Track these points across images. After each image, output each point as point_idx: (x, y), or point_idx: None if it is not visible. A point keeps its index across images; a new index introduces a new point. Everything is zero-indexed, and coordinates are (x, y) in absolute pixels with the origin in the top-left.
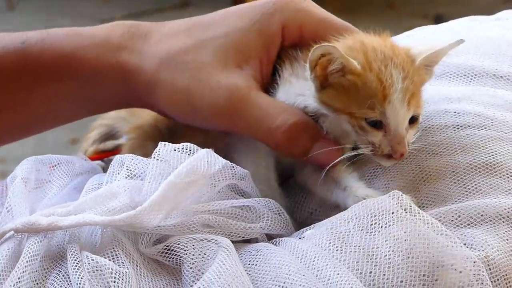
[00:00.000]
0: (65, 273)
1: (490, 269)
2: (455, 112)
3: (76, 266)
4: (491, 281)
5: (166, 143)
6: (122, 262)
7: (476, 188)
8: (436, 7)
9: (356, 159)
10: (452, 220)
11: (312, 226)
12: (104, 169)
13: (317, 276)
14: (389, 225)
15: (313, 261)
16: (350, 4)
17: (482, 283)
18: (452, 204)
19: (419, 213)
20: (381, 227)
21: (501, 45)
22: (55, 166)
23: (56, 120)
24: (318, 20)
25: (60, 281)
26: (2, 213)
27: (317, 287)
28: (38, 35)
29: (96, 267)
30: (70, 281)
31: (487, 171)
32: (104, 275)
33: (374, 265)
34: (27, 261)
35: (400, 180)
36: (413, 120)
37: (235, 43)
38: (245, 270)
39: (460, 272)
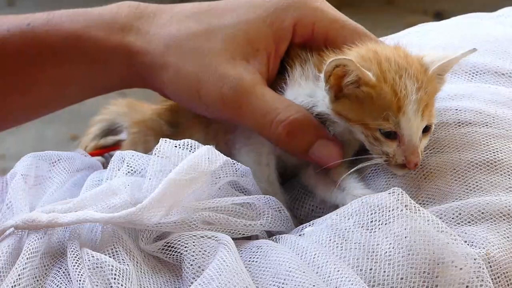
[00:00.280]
0: (65, 270)
1: (490, 266)
2: (456, 109)
3: (76, 263)
4: (492, 279)
5: (167, 139)
6: (123, 259)
7: (477, 185)
8: (436, 3)
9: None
10: (452, 218)
11: (311, 222)
12: (104, 165)
13: (317, 273)
14: (389, 222)
15: (314, 258)
16: None
17: (482, 280)
18: (453, 201)
19: (419, 210)
20: (382, 224)
21: (503, 43)
22: (55, 162)
23: (62, 101)
24: (331, 21)
25: (60, 278)
26: (2, 210)
27: (317, 284)
28: (43, 16)
29: (96, 264)
30: (70, 278)
31: (488, 169)
32: (104, 272)
33: (375, 262)
34: (27, 258)
35: (401, 177)
36: (426, 130)
37: (245, 34)
38: (246, 267)
39: (461, 269)
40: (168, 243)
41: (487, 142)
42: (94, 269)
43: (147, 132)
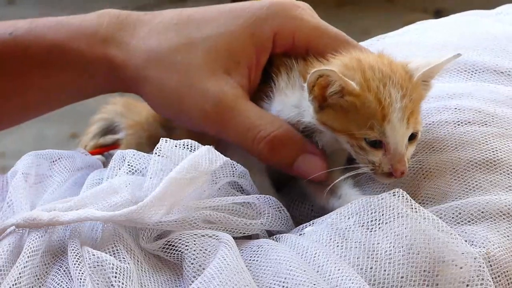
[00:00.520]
0: (66, 268)
1: (491, 265)
2: (455, 108)
3: (77, 261)
4: (492, 278)
5: (168, 139)
6: (123, 258)
7: (476, 185)
8: (436, 1)
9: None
10: (452, 217)
11: (311, 222)
12: (105, 164)
13: (318, 272)
14: (390, 221)
15: (314, 257)
16: None
17: (482, 279)
18: (453, 201)
19: (419, 209)
20: (382, 223)
21: (502, 41)
22: (55, 161)
23: (48, 106)
24: (311, 29)
25: (61, 277)
26: (3, 208)
27: (318, 283)
28: (25, 25)
29: (97, 262)
30: (71, 276)
31: (487, 168)
32: (105, 270)
33: (375, 261)
34: (28, 257)
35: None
36: (412, 137)
37: (225, 47)
38: (246, 266)
39: (461, 268)
40: (168, 242)
41: (486, 141)
42: (95, 267)
43: (142, 134)
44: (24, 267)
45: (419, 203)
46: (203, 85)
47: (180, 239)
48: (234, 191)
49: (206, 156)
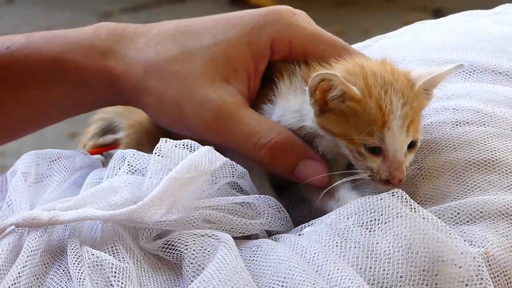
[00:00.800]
0: (65, 268)
1: (490, 265)
2: (453, 108)
3: (76, 261)
4: (491, 277)
5: (167, 139)
6: (123, 257)
7: (475, 185)
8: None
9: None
10: (451, 217)
11: (310, 222)
12: (104, 163)
13: (317, 271)
14: (389, 221)
15: (313, 256)
16: None
17: (481, 278)
18: (452, 201)
19: (418, 209)
20: (381, 223)
21: (500, 41)
22: (55, 160)
23: (44, 121)
24: (308, 35)
25: (60, 276)
26: (2, 208)
27: (317, 282)
28: (22, 39)
29: (96, 262)
30: (71, 276)
31: (486, 168)
32: (104, 270)
33: (374, 261)
34: (27, 256)
35: None
36: (411, 145)
37: (223, 55)
38: (246, 266)
39: (460, 267)
40: (168, 241)
41: (484, 141)
42: (94, 267)
43: (142, 134)
44: (23, 266)
45: (418, 203)
46: (202, 94)
47: (179, 239)
48: (234, 191)
49: (206, 156)
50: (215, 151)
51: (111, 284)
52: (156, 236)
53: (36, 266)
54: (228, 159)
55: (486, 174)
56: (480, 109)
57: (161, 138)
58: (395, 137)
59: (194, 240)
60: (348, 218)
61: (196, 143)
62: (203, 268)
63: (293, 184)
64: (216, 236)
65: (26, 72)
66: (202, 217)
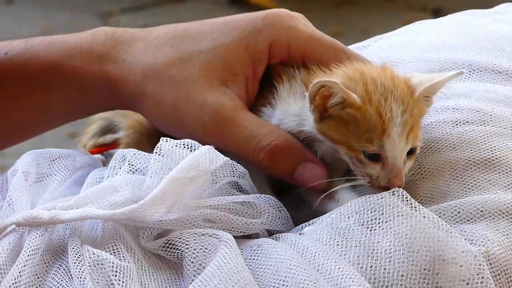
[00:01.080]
0: (66, 267)
1: (490, 263)
2: (453, 108)
3: (77, 260)
4: (492, 276)
5: (168, 138)
6: (123, 256)
7: (475, 184)
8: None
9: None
10: (452, 216)
11: (311, 222)
12: (104, 163)
13: (318, 270)
14: (390, 220)
15: (314, 256)
16: None
17: (483, 277)
18: (452, 200)
19: (419, 208)
20: (382, 222)
21: (499, 40)
22: (55, 160)
23: (44, 126)
24: (306, 39)
25: (61, 275)
26: (3, 207)
27: (318, 281)
28: (21, 44)
29: (97, 261)
30: (71, 275)
31: (486, 167)
32: (105, 269)
33: (375, 260)
34: (28, 255)
35: None
36: (410, 152)
37: (221, 59)
38: (247, 265)
39: (461, 266)
40: (169, 240)
41: (484, 141)
42: (95, 266)
43: (142, 133)
44: (24, 266)
45: (419, 202)
46: (201, 98)
47: (180, 238)
48: (234, 190)
49: (207, 155)
50: (216, 150)
51: (111, 283)
52: (157, 235)
53: (37, 265)
54: (229, 158)
55: (486, 173)
56: (480, 108)
57: (161, 138)
58: (395, 145)
59: (194, 239)
60: (349, 217)
61: (197, 142)
62: (204, 267)
63: (293, 187)
64: (216, 235)
65: (25, 77)
66: (202, 216)
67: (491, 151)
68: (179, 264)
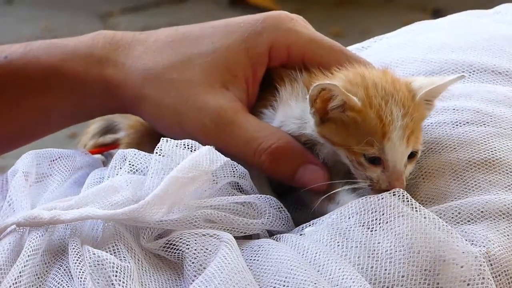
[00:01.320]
0: (66, 267)
1: (491, 264)
2: (453, 109)
3: (77, 260)
4: (492, 277)
5: (168, 138)
6: (124, 257)
7: (476, 184)
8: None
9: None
10: (452, 217)
11: (311, 222)
12: (104, 163)
13: (319, 271)
14: (390, 221)
15: (315, 256)
16: None
17: (483, 278)
18: (452, 201)
19: (420, 208)
20: (382, 222)
21: (499, 41)
22: (55, 160)
23: (44, 129)
24: (306, 41)
25: (61, 275)
26: (3, 207)
27: (319, 282)
28: (20, 49)
29: (97, 261)
30: (72, 276)
31: (486, 168)
32: (105, 269)
33: (376, 260)
34: (28, 256)
35: None
36: (411, 156)
37: (222, 62)
38: (247, 265)
39: (462, 267)
40: (169, 241)
41: (485, 141)
42: (95, 266)
43: (143, 134)
44: (25, 266)
45: (419, 203)
46: (201, 100)
47: (181, 239)
48: (235, 191)
49: (207, 156)
50: (216, 151)
51: (112, 284)
52: (157, 235)
53: (37, 265)
54: (229, 159)
55: (486, 174)
56: (480, 109)
57: (162, 138)
58: (395, 148)
59: (195, 240)
60: (349, 217)
61: (197, 143)
62: (204, 268)
63: (293, 189)
64: (217, 235)
65: (25, 81)
66: (203, 216)
67: (492, 151)
68: (179, 265)
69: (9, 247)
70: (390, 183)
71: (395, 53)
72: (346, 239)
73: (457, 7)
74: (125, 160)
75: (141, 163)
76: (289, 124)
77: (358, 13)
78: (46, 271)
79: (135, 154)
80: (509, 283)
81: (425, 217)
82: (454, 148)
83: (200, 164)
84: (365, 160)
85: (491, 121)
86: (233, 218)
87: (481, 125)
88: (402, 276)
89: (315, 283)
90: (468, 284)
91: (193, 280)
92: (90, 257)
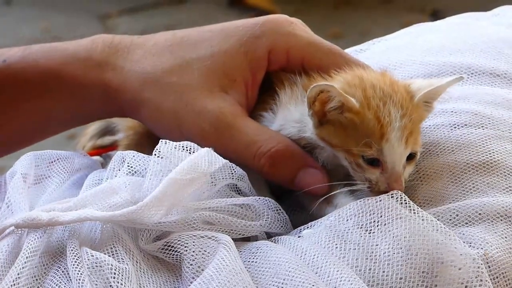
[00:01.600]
0: (64, 269)
1: (489, 266)
2: (452, 111)
3: (75, 262)
4: (490, 279)
5: (167, 140)
6: (122, 258)
7: (473, 187)
8: (433, 2)
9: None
10: (450, 219)
11: (309, 225)
12: (103, 165)
13: (317, 273)
14: (388, 223)
15: (313, 258)
16: None
17: (481, 280)
18: (450, 203)
19: (418, 210)
20: (380, 224)
21: (498, 43)
22: (54, 161)
23: (42, 133)
24: (305, 44)
25: (59, 277)
26: (1, 209)
27: (317, 284)
28: (19, 52)
29: (95, 263)
30: (70, 277)
31: (484, 170)
32: (103, 271)
33: (374, 262)
34: (26, 257)
35: None
36: (410, 157)
37: (221, 66)
38: (245, 267)
39: (460, 269)
40: (167, 243)
41: (483, 144)
42: (94, 268)
43: (141, 135)
44: (23, 267)
45: (417, 205)
46: (200, 104)
47: (179, 240)
48: (233, 193)
49: (205, 157)
50: (215, 153)
51: (110, 285)
52: (156, 237)
53: (36, 267)
54: (227, 161)
55: (484, 176)
56: (478, 111)
57: (160, 140)
58: (394, 149)
59: (193, 242)
60: (347, 220)
61: (195, 145)
62: (202, 270)
63: (291, 191)
64: (215, 237)
65: (24, 85)
66: (201, 218)
67: (490, 154)
68: (178, 266)
69: (7, 249)
70: (389, 185)
71: (393, 56)
72: (344, 241)
73: (456, 8)
74: (124, 161)
75: (139, 164)
76: (288, 128)
77: (357, 14)
78: (44, 272)
79: (133, 156)
80: (507, 285)
81: (423, 219)
82: (452, 150)
83: (198, 166)
84: (364, 162)
85: (489, 123)
86: (232, 220)
87: (479, 128)
88: (400, 278)
89: (313, 285)
90: (466, 286)
91: (191, 282)
92: (88, 259)
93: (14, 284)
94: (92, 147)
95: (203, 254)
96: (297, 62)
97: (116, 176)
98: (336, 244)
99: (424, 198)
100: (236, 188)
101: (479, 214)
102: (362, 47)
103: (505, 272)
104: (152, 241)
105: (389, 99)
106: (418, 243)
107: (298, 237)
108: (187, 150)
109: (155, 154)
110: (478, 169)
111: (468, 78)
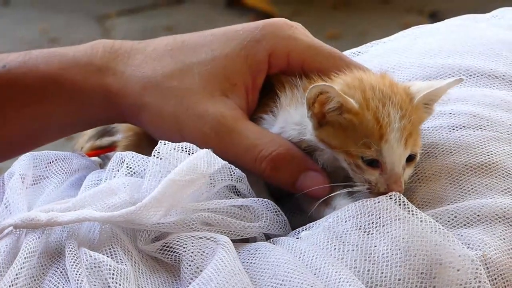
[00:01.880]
0: (63, 269)
1: (487, 268)
2: (450, 113)
3: (74, 262)
4: (489, 280)
5: (166, 141)
6: (120, 259)
7: (472, 188)
8: (432, 3)
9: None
10: (448, 221)
11: (307, 226)
12: (101, 166)
13: (315, 274)
14: (387, 224)
15: (312, 259)
16: None
17: (479, 281)
18: (449, 204)
19: (416, 212)
20: (379, 225)
21: (496, 45)
22: (52, 162)
23: (41, 140)
24: (305, 48)
25: (58, 278)
26: (0, 209)
27: (315, 285)
28: (19, 58)
29: (94, 263)
30: (68, 278)
31: (483, 172)
32: (102, 271)
33: (372, 264)
34: (25, 258)
35: None
36: (410, 159)
37: (221, 70)
38: (244, 268)
39: (458, 270)
40: (166, 243)
41: (481, 145)
42: (92, 268)
43: (140, 136)
44: (21, 268)
45: (416, 207)
46: (201, 108)
47: (178, 241)
48: (232, 194)
49: (204, 159)
50: (214, 154)
51: (108, 286)
52: (154, 238)
53: (34, 267)
54: (226, 162)
55: (483, 178)
56: (476, 113)
57: (159, 141)
58: (393, 150)
59: (192, 243)
60: (346, 221)
61: (195, 146)
62: (201, 271)
63: (290, 194)
64: (214, 238)
65: (24, 90)
66: (200, 219)
67: (488, 155)
68: (176, 267)
69: (5, 249)
70: (388, 186)
71: (391, 58)
72: (343, 242)
73: (455, 10)
74: (123, 162)
75: (138, 165)
76: (288, 131)
77: (356, 16)
78: (43, 273)
79: (132, 157)
80: (505, 286)
81: (421, 221)
82: (451, 152)
83: (197, 167)
84: (363, 163)
85: (487, 125)
86: (230, 221)
87: (477, 129)
88: (399, 279)
89: (311, 286)
90: None
91: (189, 283)
92: (86, 260)
93: (12, 285)
94: (90, 147)
95: (201, 255)
96: (298, 66)
97: (115, 176)
98: (334, 245)
99: (422, 199)
100: (235, 189)
101: (478, 215)
102: (360, 49)
103: (504, 274)
104: (151, 242)
105: (389, 100)
106: (416, 245)
107: (297, 238)
108: (186, 151)
109: (154, 155)
110: (476, 171)
111: (466, 80)
